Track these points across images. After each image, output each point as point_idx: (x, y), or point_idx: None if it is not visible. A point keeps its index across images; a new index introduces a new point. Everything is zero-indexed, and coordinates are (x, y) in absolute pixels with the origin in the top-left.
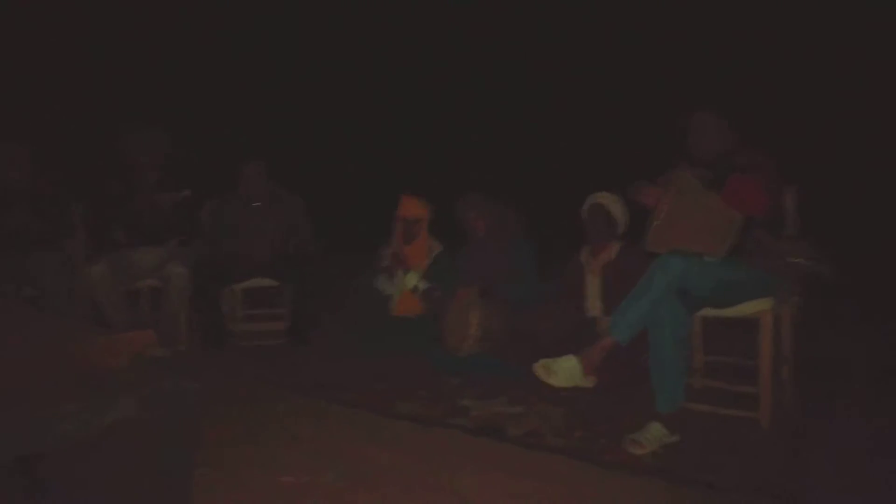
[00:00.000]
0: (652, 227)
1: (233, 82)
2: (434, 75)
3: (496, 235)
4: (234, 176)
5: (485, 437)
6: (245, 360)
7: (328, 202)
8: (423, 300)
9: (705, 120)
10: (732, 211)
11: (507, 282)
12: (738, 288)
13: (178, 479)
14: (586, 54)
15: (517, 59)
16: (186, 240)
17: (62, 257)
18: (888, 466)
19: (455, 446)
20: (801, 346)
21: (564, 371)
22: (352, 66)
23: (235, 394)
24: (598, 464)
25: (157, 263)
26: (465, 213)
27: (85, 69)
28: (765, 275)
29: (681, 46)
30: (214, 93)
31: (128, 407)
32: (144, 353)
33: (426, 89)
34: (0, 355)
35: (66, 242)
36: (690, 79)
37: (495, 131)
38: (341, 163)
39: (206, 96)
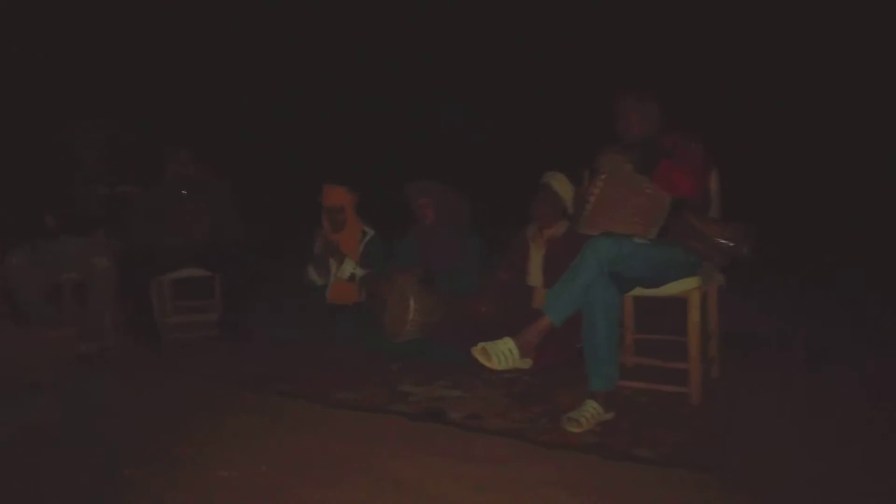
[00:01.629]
0: (584, 210)
1: (181, 75)
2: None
3: (445, 224)
4: (161, 160)
5: (425, 422)
6: (176, 355)
7: (265, 190)
8: (361, 286)
9: (633, 103)
10: (662, 193)
11: (451, 272)
12: (667, 268)
13: (103, 481)
14: (523, 41)
15: (462, 49)
16: (111, 231)
17: None
18: (814, 436)
19: (395, 432)
20: (725, 323)
21: (502, 353)
22: (299, 53)
23: (167, 389)
24: (538, 443)
25: (81, 255)
26: (414, 199)
27: (35, 59)
28: (692, 255)
29: (611, 32)
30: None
31: (45, 407)
32: (66, 351)
33: (377, 83)
34: None
35: None
36: (621, 63)
37: (443, 121)
38: (282, 152)
39: (155, 90)
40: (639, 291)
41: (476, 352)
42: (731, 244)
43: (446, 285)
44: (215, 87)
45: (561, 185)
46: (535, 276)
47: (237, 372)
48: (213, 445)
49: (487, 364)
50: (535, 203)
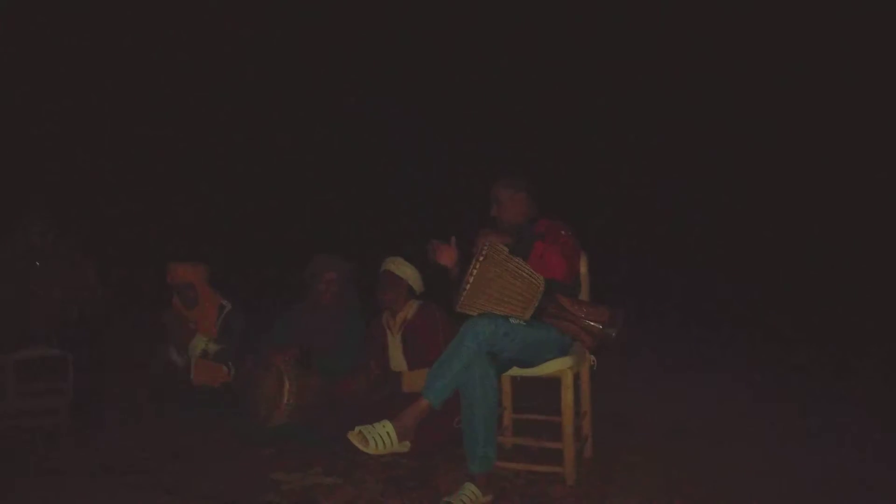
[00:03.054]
0: (462, 290)
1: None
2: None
3: (340, 303)
4: (10, 230)
5: None
6: (17, 444)
7: (124, 260)
8: (217, 361)
9: (509, 192)
10: (536, 275)
11: (330, 352)
12: (542, 348)
13: None
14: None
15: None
16: None
17: None
18: None
19: None
20: (596, 402)
21: (380, 437)
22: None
23: (3, 487)
24: None
25: None
26: (319, 272)
27: None
28: (564, 336)
29: (481, 119)
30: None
31: None
32: None
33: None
34: None
35: None
36: (493, 149)
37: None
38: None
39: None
40: (515, 371)
41: (352, 436)
42: (600, 326)
43: (324, 366)
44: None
45: (400, 267)
46: (398, 360)
47: (88, 463)
48: None
49: (364, 449)
50: (381, 290)
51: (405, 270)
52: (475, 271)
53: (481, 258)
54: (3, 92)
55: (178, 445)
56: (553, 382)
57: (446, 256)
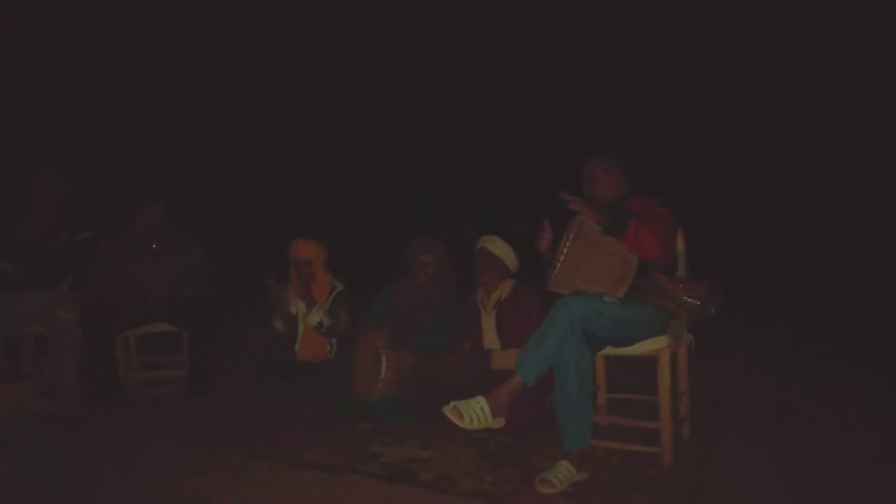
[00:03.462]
0: (553, 269)
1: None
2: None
3: (437, 283)
4: (130, 217)
5: (395, 483)
6: (140, 413)
7: (231, 242)
8: (327, 337)
9: (601, 168)
10: (630, 254)
11: (425, 331)
12: (637, 327)
13: None
14: (492, 97)
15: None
16: (77, 283)
17: None
18: (786, 494)
19: (364, 493)
20: (695, 382)
21: (474, 412)
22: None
23: (128, 449)
24: None
25: (44, 308)
26: (417, 254)
27: None
28: (661, 314)
29: (580, 93)
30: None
31: None
32: (22, 408)
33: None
34: None
35: None
36: (590, 126)
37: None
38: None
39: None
40: (609, 350)
41: (447, 411)
42: (698, 303)
43: (419, 343)
44: (188, 137)
45: (497, 246)
46: (490, 338)
47: (204, 431)
48: None
49: (459, 423)
50: (477, 269)
51: (502, 249)
52: (566, 249)
53: (572, 236)
54: (139, 97)
55: (283, 417)
56: (650, 361)
57: (543, 240)
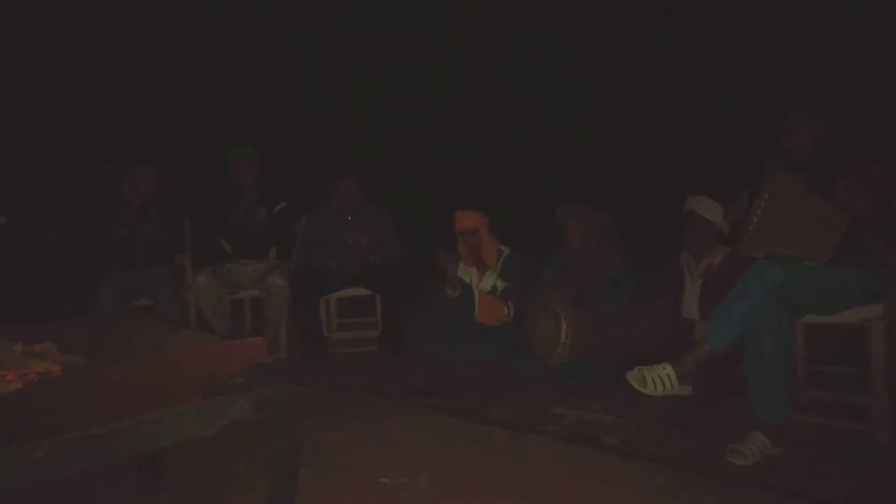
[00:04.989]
0: (746, 231)
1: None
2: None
3: (593, 246)
4: (325, 190)
5: (579, 445)
6: (341, 368)
7: (414, 214)
8: (507, 304)
9: (804, 117)
10: (836, 214)
11: (600, 292)
12: (843, 293)
13: (286, 477)
14: (672, 49)
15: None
16: (284, 251)
17: (173, 270)
18: None
19: (548, 453)
20: None
21: (659, 379)
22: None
23: (334, 400)
24: (699, 473)
25: (259, 275)
26: (564, 221)
27: (186, 90)
28: (873, 280)
29: (775, 46)
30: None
31: (242, 408)
32: (253, 359)
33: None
34: (128, 361)
35: (177, 256)
36: (784, 78)
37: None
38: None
39: (297, 116)
40: (811, 318)
41: (631, 376)
42: None
43: (596, 306)
44: (371, 120)
45: (707, 208)
46: (691, 308)
47: (397, 386)
48: (376, 454)
49: (643, 389)
50: (684, 233)
51: (713, 211)
52: (760, 210)
53: (766, 195)
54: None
55: (468, 376)
56: (858, 331)
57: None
